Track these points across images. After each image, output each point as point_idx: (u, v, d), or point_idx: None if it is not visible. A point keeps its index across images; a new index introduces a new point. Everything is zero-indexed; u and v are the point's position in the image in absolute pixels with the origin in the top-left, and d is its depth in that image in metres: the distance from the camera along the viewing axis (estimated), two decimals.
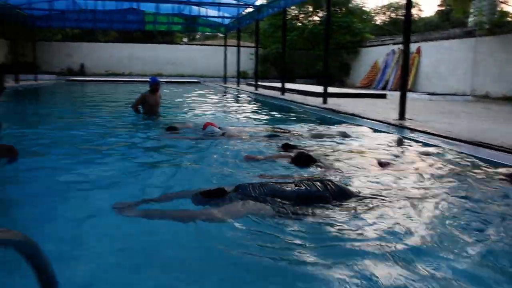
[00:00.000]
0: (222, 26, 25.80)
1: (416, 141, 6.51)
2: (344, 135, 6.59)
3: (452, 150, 5.71)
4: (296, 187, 3.21)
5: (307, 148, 5.27)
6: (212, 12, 23.13)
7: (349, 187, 3.47)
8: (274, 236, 2.68)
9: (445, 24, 35.27)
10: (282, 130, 7.01)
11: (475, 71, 18.49)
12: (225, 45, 25.15)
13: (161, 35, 34.66)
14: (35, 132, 6.85)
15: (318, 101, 12.79)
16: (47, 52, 28.05)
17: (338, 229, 2.80)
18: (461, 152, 5.55)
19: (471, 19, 20.64)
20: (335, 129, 7.59)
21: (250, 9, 20.43)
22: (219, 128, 6.41)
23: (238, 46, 22.98)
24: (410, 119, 8.84)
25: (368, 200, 3.23)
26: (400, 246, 2.56)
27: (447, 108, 12.38)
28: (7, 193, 3.63)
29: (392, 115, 9.26)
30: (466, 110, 11.90)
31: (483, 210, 3.24)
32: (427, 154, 5.35)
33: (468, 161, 5.09)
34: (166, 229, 2.80)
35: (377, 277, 2.19)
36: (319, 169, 4.23)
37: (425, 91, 20.12)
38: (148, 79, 9.01)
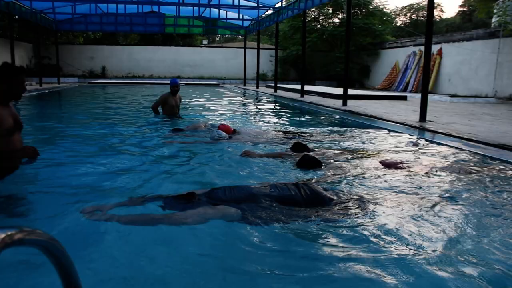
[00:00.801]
0: (241, 28, 25.87)
1: (436, 143, 6.45)
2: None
3: (472, 152, 5.66)
4: (269, 190, 3.21)
5: (321, 150, 5.24)
6: (232, 14, 23.24)
7: (328, 192, 3.39)
8: (238, 240, 2.65)
9: (467, 25, 34.74)
10: (298, 132, 7.00)
11: (499, 73, 18.16)
12: (245, 47, 25.23)
13: (181, 37, 34.99)
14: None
15: (338, 103, 12.74)
16: (69, 55, 28.64)
17: (304, 233, 2.76)
18: (481, 154, 5.49)
19: (494, 19, 20.29)
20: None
21: (269, 11, 20.48)
22: (234, 130, 6.42)
23: (258, 48, 23.05)
24: (431, 121, 8.76)
25: (346, 205, 3.19)
26: (365, 254, 2.51)
27: (469, 110, 12.20)
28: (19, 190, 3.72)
29: (413, 117, 9.19)
30: (489, 112, 11.70)
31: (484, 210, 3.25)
32: (443, 156, 5.29)
33: (489, 164, 5.04)
34: (135, 233, 2.76)
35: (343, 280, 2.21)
36: (320, 171, 4.21)
37: (447, 93, 19.85)
38: (167, 81, 9.13)
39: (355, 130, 7.73)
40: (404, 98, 16.27)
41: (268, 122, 9.29)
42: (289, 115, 11.00)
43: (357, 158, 4.86)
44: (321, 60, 28.49)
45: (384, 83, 24.84)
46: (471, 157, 5.38)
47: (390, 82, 24.49)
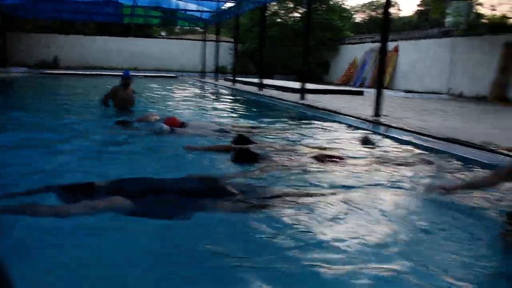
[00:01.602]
0: (201, 20, 25.48)
1: (388, 137, 6.51)
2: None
3: (421, 145, 5.71)
4: (172, 183, 3.19)
5: (264, 144, 5.15)
6: (191, 6, 22.79)
7: (237, 186, 3.33)
8: (118, 233, 2.59)
9: (424, 24, 35.64)
10: (249, 126, 6.88)
11: (451, 71, 18.69)
12: (204, 40, 24.86)
13: (139, 28, 34.10)
14: None
15: (296, 97, 12.71)
16: (20, 43, 27.29)
17: (197, 226, 2.74)
18: (431, 148, 5.55)
19: (448, 19, 20.86)
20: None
21: (230, 4, 20.21)
22: (182, 123, 6.26)
23: (217, 40, 22.75)
24: (385, 116, 8.84)
25: (253, 199, 3.14)
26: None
27: (423, 106, 12.45)
28: None
29: (368, 112, 9.25)
30: (441, 108, 11.98)
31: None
32: (392, 149, 5.33)
33: (437, 157, 5.08)
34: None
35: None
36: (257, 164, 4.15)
37: (402, 89, 20.27)
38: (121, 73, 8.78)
39: (309, 124, 7.73)
40: (361, 93, 16.46)
41: (223, 115, 9.11)
42: (246, 109, 10.88)
43: (298, 152, 4.80)
44: (282, 55, 28.47)
45: (343, 78, 25.14)
46: (420, 151, 5.43)
47: (349, 77, 24.82)
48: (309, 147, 5.16)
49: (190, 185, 3.19)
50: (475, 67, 17.43)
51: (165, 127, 5.86)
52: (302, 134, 6.41)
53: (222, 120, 7.97)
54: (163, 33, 39.46)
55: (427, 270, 2.22)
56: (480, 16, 20.16)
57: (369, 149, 5.36)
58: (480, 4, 19.37)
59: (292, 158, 4.45)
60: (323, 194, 3.34)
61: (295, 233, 2.62)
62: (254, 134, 6.06)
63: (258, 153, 4.29)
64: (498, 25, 18.01)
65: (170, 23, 30.41)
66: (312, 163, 4.28)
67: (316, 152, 4.68)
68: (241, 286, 2.05)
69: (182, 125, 6.24)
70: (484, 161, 4.78)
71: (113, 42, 29.47)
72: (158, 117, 6.86)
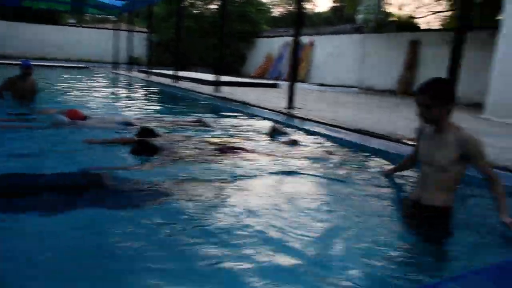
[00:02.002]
0: (114, 8, 24.21)
1: (299, 128, 6.52)
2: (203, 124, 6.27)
3: (332, 136, 5.76)
4: (53, 177, 3.07)
5: (168, 136, 4.92)
6: None
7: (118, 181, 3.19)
8: None
9: (338, 19, 36.93)
10: (158, 117, 6.54)
11: (362, 65, 19.48)
12: (117, 29, 23.67)
13: (46, 14, 31.74)
14: None
15: (211, 89, 12.47)
16: None
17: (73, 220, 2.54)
18: (341, 138, 5.62)
19: (359, 16, 21.70)
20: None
21: None
22: (85, 116, 5.80)
23: (130, 30, 21.76)
24: (298, 108, 8.91)
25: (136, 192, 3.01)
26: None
27: (335, 99, 12.79)
28: None
29: (282, 104, 9.27)
30: (352, 101, 12.39)
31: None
32: (292, 141, 5.32)
33: (342, 147, 5.14)
34: None
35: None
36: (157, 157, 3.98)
37: (317, 82, 20.77)
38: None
39: (221, 116, 7.56)
40: (275, 86, 16.61)
41: (134, 108, 8.61)
42: (159, 101, 10.46)
43: (204, 144, 4.63)
44: (198, 46, 27.96)
45: (259, 71, 25.28)
46: (328, 141, 5.47)
47: (265, 70, 25.00)
48: (216, 138, 4.97)
49: (70, 180, 3.02)
50: (384, 63, 18.31)
51: (65, 119, 5.43)
52: (212, 126, 6.20)
53: (132, 112, 7.51)
54: (72, 21, 37.10)
55: (329, 255, 2.16)
56: (388, 14, 21.23)
57: (277, 140, 5.31)
58: (389, 4, 20.36)
59: (196, 150, 4.26)
60: (221, 185, 3.23)
61: (191, 226, 2.42)
62: (163, 127, 5.76)
63: (157, 146, 4.05)
64: (404, 24, 19.07)
65: (80, 10, 28.55)
66: (215, 154, 4.12)
67: (221, 143, 4.50)
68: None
69: (85, 118, 5.79)
70: (390, 151, 4.91)
71: (14, 28, 27.06)
72: (58, 110, 6.29)
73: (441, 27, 21.65)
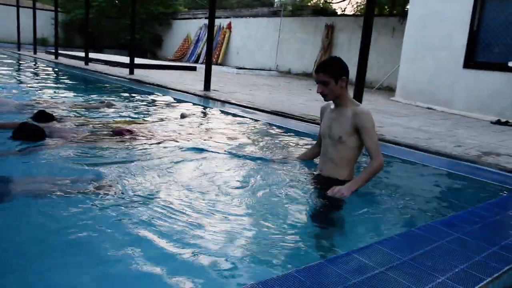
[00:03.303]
0: None
1: (212, 109, 6.45)
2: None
3: (245, 117, 5.74)
4: None
5: (67, 121, 4.59)
6: None
7: None
8: None
9: (256, 3, 37.01)
10: (60, 102, 6.11)
11: (280, 49, 19.73)
12: (17, 6, 21.71)
13: None
14: None
15: (125, 72, 11.95)
16: None
17: None
18: (255, 119, 5.62)
19: (277, 0, 21.91)
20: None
21: None
22: None
23: (34, 8, 20.10)
24: (215, 90, 8.84)
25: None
26: None
27: (252, 82, 12.84)
28: None
29: (199, 87, 9.14)
30: (269, 84, 12.51)
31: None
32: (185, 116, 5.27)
33: (256, 128, 5.14)
34: None
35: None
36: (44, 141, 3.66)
37: (235, 65, 20.74)
38: None
39: (133, 99, 7.28)
40: (193, 68, 16.36)
41: (38, 90, 7.98)
42: (66, 84, 9.78)
43: (102, 127, 4.36)
44: (111, 27, 26.63)
45: (177, 54, 24.70)
46: (243, 123, 5.45)
47: (183, 53, 24.47)
48: (119, 122, 4.73)
49: None
50: (301, 46, 18.68)
51: None
52: (119, 109, 5.92)
53: (33, 96, 6.92)
54: None
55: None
56: None
57: (185, 122, 5.21)
58: None
59: (90, 133, 3.98)
60: (110, 168, 3.02)
61: (65, 225, 2.18)
62: (66, 110, 5.38)
63: (43, 129, 3.70)
64: (320, 9, 19.55)
65: None
66: (110, 137, 3.88)
67: (120, 127, 4.27)
68: None
69: None
70: (300, 130, 5.01)
71: None
72: None
73: (353, 12, 22.51)
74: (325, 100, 2.96)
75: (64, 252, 1.87)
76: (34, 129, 3.63)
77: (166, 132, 4.43)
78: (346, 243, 2.22)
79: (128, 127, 4.29)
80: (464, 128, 6.43)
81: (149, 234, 2.05)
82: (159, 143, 3.86)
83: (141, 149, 3.61)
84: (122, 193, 2.53)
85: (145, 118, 5.41)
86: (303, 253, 2.03)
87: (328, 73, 2.81)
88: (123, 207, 2.34)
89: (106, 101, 6.22)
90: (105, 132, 4.04)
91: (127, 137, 3.89)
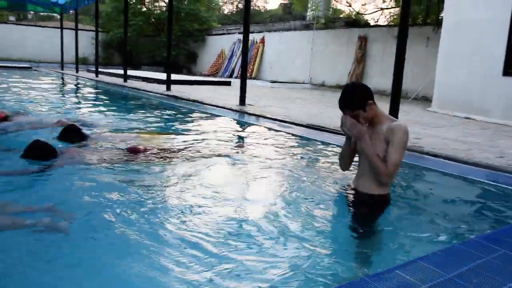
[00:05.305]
0: (57, 5, 23.26)
1: (251, 124, 6.52)
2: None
3: (279, 131, 5.77)
4: None
5: (95, 135, 4.70)
6: None
7: None
8: None
9: (288, 16, 37.29)
10: (96, 118, 6.23)
11: (313, 61, 19.74)
12: (61, 27, 22.75)
13: None
14: None
15: (162, 88, 12.26)
16: None
17: None
18: (290, 133, 5.64)
19: (309, 13, 21.99)
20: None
21: None
22: (6, 116, 5.33)
23: (76, 29, 20.99)
24: (250, 105, 8.92)
25: None
26: None
27: (286, 95, 12.89)
28: None
29: (234, 101, 9.25)
30: (303, 97, 12.53)
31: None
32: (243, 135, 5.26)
33: (291, 141, 5.16)
34: None
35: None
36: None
37: (269, 79, 20.88)
38: None
39: (169, 114, 7.46)
40: (228, 83, 16.57)
41: (77, 107, 8.30)
42: (106, 101, 10.13)
43: (127, 142, 4.41)
44: (148, 45, 27.43)
45: (211, 69, 25.11)
46: (280, 136, 5.48)
47: (217, 68, 24.86)
48: (148, 134, 4.78)
49: None
50: (334, 58, 18.65)
51: None
52: (149, 121, 6.06)
53: (75, 114, 7.20)
54: (12, 18, 35.37)
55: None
56: (337, 11, 21.64)
57: (221, 137, 5.25)
58: (337, 1, 20.73)
59: (103, 151, 4.01)
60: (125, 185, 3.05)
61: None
62: (97, 126, 5.50)
63: (53, 147, 3.64)
64: (353, 21, 19.48)
65: (20, 7, 27.17)
66: (126, 156, 3.87)
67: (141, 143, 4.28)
68: None
69: (6, 118, 5.33)
70: (337, 143, 4.99)
71: None
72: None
73: (387, 23, 22.30)
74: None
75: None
76: (43, 148, 3.57)
77: (205, 146, 4.51)
78: (387, 258, 2.21)
79: (153, 143, 4.31)
80: (505, 138, 6.25)
81: (184, 242, 2.11)
82: (193, 156, 3.94)
83: (168, 165, 3.65)
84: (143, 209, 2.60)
85: (182, 132, 5.52)
86: (343, 269, 2.04)
87: (352, 108, 2.72)
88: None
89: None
90: (120, 150, 4.02)
91: (141, 155, 3.88)
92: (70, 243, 2.18)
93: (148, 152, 3.98)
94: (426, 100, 12.95)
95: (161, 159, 3.82)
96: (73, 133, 4.34)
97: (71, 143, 4.14)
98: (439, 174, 3.94)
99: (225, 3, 44.65)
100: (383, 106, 2.93)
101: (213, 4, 31.34)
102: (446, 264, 1.89)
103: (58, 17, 25.06)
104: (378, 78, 16.05)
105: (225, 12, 43.01)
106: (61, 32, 22.41)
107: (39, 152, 3.50)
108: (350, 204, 2.87)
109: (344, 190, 3.11)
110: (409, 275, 1.75)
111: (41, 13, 34.33)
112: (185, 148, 4.33)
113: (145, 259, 1.99)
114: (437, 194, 3.32)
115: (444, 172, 3.98)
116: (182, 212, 2.58)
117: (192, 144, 4.63)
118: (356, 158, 3.05)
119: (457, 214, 2.84)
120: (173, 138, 4.98)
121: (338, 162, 3.17)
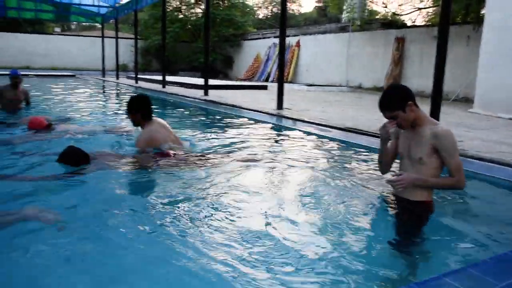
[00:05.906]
0: (98, 15, 24.09)
1: (288, 128, 6.53)
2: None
3: (319, 135, 5.76)
4: None
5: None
6: (86, 0, 21.44)
7: None
8: None
9: (323, 19, 37.10)
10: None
11: (349, 64, 19.57)
12: (102, 36, 23.52)
13: (30, 24, 31.46)
14: None
15: (200, 93, 12.45)
16: None
17: None
18: (329, 137, 5.65)
19: (344, 15, 21.81)
20: None
21: None
22: (49, 124, 5.43)
23: (116, 37, 21.64)
24: (287, 109, 8.94)
25: None
26: None
27: (323, 98, 12.83)
28: None
29: (272, 105, 9.29)
30: (340, 99, 12.44)
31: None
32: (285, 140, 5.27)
33: (330, 145, 5.15)
34: None
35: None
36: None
37: (305, 82, 20.83)
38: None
39: (209, 119, 7.56)
40: (265, 87, 16.65)
41: (117, 114, 8.54)
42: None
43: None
44: (185, 51, 27.96)
45: (247, 74, 25.29)
46: (318, 140, 5.48)
47: (253, 72, 25.02)
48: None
49: None
50: (371, 60, 18.43)
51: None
52: (187, 125, 6.16)
53: (118, 120, 7.41)
54: (57, 29, 36.81)
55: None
56: (373, 12, 21.37)
57: (261, 142, 5.31)
58: (373, 2, 20.48)
59: (132, 157, 4.04)
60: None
61: None
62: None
63: (86, 153, 3.67)
64: (389, 22, 19.21)
65: (64, 18, 28.29)
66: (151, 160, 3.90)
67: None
68: None
69: (49, 126, 5.42)
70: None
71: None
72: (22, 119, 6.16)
73: (424, 23, 21.83)
74: (403, 129, 2.81)
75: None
76: (77, 153, 3.61)
77: (244, 149, 4.57)
78: (435, 264, 2.19)
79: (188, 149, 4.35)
80: None
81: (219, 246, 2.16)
82: (232, 160, 4.00)
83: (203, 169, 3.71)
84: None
85: (221, 137, 5.59)
86: (388, 275, 2.03)
87: (392, 109, 2.69)
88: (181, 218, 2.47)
89: None
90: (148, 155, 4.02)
91: (171, 158, 3.90)
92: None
93: (182, 156, 4.00)
94: (467, 101, 12.59)
95: (197, 165, 3.85)
96: (73, 157, 3.81)
97: (76, 167, 3.72)
98: (485, 178, 3.84)
99: (260, 7, 44.87)
100: (423, 107, 2.86)
101: (248, 9, 31.58)
102: (496, 272, 1.85)
103: (99, 26, 25.90)
104: (417, 79, 15.71)
105: (260, 16, 43.24)
106: (102, 40, 23.17)
107: (72, 158, 3.56)
108: (391, 210, 2.84)
109: (385, 195, 3.08)
110: (458, 283, 1.73)
111: (83, 24, 35.54)
112: (225, 152, 4.40)
113: (183, 267, 2.06)
114: (484, 199, 3.25)
115: (490, 176, 3.88)
116: (224, 215, 2.64)
117: (232, 148, 4.71)
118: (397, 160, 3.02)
119: (506, 220, 2.77)
120: (212, 143, 5.06)
121: (378, 165, 3.15)
